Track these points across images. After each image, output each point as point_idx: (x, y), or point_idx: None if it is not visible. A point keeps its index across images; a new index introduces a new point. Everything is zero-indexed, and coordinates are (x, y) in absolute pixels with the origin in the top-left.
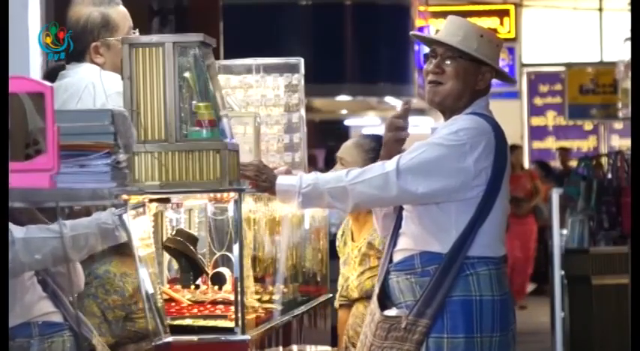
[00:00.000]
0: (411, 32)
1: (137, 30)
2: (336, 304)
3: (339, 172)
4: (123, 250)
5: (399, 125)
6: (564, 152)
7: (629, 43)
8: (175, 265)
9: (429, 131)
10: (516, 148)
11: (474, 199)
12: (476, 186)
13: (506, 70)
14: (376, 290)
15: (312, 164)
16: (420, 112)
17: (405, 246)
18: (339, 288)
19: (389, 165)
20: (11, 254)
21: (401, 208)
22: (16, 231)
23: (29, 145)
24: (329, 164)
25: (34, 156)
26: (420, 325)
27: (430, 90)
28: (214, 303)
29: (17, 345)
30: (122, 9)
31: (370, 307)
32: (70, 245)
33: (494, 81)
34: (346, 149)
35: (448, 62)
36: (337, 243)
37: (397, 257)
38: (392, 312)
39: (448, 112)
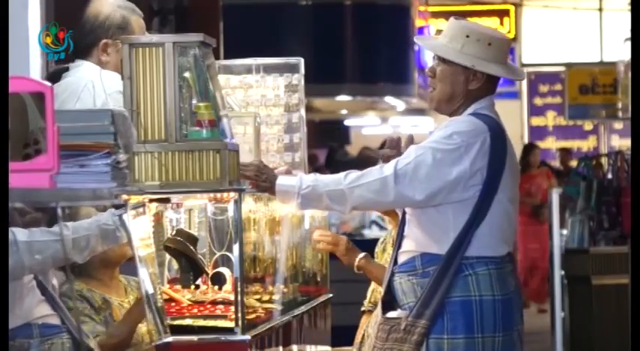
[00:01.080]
0: (415, 37)
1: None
2: (363, 307)
3: (338, 174)
4: (88, 272)
5: (387, 155)
6: (565, 153)
7: (629, 43)
8: (175, 265)
9: (428, 131)
10: (533, 148)
11: (471, 199)
12: (471, 186)
13: None
14: (382, 292)
15: (313, 164)
16: (420, 112)
17: (408, 248)
18: (369, 294)
19: (387, 169)
20: (15, 257)
21: (404, 212)
22: (19, 234)
23: (29, 144)
24: (330, 164)
25: (33, 156)
26: (418, 326)
27: (428, 96)
28: (214, 303)
29: (18, 345)
30: (142, 22)
31: (377, 309)
32: (72, 247)
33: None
34: None
35: (438, 66)
36: (376, 249)
37: (401, 259)
38: (393, 313)
39: (448, 113)
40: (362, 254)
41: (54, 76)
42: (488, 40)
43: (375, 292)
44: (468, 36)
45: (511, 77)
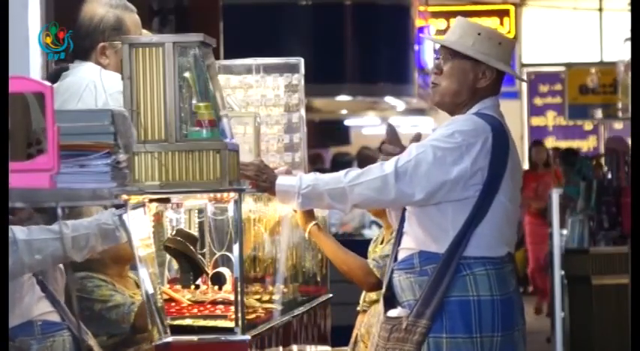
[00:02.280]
0: (424, 35)
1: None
2: (359, 307)
3: (339, 173)
4: (99, 269)
5: (389, 151)
6: (556, 152)
7: (629, 43)
8: (175, 265)
9: (428, 131)
10: (539, 145)
11: (471, 198)
12: (472, 185)
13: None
14: (383, 289)
15: (317, 163)
16: (420, 112)
17: (407, 245)
18: (363, 293)
19: (387, 167)
20: (14, 256)
21: (404, 208)
22: (18, 232)
23: (32, 144)
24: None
25: (36, 155)
26: (419, 326)
27: (431, 91)
28: (214, 303)
29: (19, 343)
30: (136, 17)
31: (379, 307)
32: (71, 246)
33: None
34: None
35: (445, 62)
36: (369, 249)
37: (400, 256)
38: (394, 313)
39: (451, 111)
40: (315, 221)
41: (55, 77)
42: (499, 39)
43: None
44: (479, 34)
45: (518, 77)
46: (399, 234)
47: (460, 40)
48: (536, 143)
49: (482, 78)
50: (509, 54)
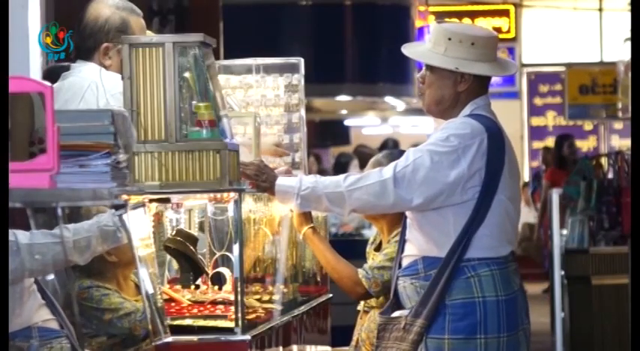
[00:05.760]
0: (402, 46)
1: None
2: (359, 307)
3: (338, 176)
4: (100, 270)
5: None
6: (547, 151)
7: (629, 43)
8: (175, 265)
9: (428, 131)
10: (567, 139)
11: (470, 201)
12: (470, 188)
13: None
14: (391, 296)
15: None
16: (420, 112)
17: (410, 252)
18: None
19: (386, 172)
20: (16, 260)
21: (405, 216)
22: (20, 236)
23: (34, 143)
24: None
25: (38, 154)
26: (416, 325)
27: (421, 101)
28: (214, 303)
29: (17, 347)
30: (142, 21)
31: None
32: (73, 249)
33: (494, 80)
34: (369, 167)
35: (427, 72)
36: (367, 249)
37: (404, 263)
38: (395, 313)
39: (442, 116)
40: (311, 224)
41: (51, 74)
42: (471, 40)
43: None
44: (450, 39)
45: (498, 74)
46: (402, 241)
47: (433, 49)
48: (567, 138)
49: (461, 82)
50: (488, 50)
